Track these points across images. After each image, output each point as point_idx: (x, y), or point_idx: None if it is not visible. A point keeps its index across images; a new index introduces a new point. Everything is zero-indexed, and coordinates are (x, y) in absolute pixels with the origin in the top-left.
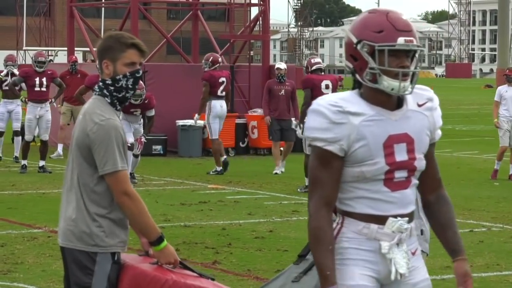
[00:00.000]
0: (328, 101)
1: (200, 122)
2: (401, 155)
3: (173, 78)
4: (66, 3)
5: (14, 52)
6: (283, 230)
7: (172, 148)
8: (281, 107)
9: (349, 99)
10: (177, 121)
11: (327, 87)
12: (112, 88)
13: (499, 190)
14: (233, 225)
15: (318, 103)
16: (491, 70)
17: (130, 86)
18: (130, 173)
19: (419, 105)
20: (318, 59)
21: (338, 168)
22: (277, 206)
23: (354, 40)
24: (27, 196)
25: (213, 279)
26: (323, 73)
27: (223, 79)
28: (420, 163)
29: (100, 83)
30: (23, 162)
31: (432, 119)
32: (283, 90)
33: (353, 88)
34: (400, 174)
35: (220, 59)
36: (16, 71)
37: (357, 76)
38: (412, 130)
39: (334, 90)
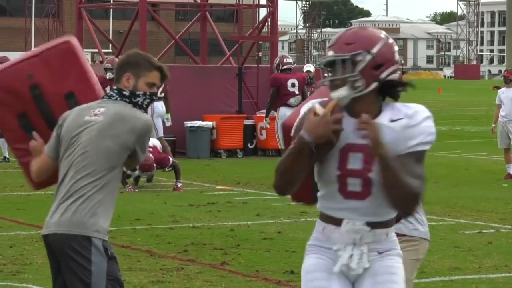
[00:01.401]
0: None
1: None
2: (354, 164)
3: (182, 79)
4: (74, 4)
5: (12, 53)
6: (291, 231)
7: (180, 149)
8: None
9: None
10: (185, 122)
11: (293, 85)
12: (127, 100)
13: (508, 191)
14: (242, 226)
15: (308, 105)
16: (500, 71)
17: (144, 106)
18: None
19: (392, 121)
20: (290, 60)
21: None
22: (285, 207)
23: None
24: (35, 197)
25: None
26: (290, 72)
27: None
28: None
29: (116, 91)
30: None
31: (402, 135)
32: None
33: None
34: (353, 182)
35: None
36: None
37: None
38: None
39: (301, 87)
